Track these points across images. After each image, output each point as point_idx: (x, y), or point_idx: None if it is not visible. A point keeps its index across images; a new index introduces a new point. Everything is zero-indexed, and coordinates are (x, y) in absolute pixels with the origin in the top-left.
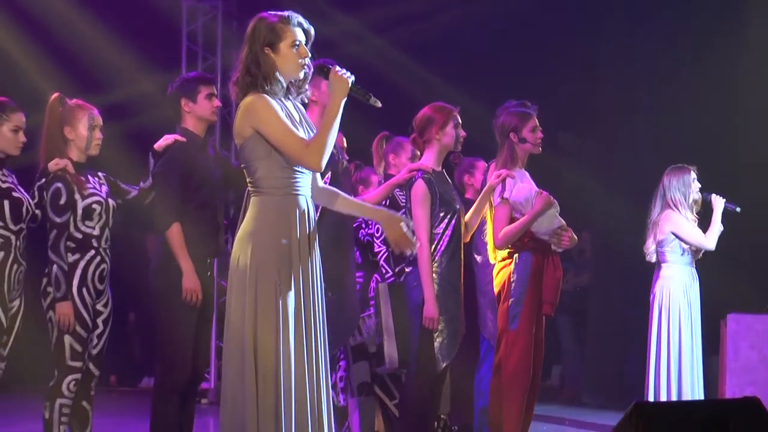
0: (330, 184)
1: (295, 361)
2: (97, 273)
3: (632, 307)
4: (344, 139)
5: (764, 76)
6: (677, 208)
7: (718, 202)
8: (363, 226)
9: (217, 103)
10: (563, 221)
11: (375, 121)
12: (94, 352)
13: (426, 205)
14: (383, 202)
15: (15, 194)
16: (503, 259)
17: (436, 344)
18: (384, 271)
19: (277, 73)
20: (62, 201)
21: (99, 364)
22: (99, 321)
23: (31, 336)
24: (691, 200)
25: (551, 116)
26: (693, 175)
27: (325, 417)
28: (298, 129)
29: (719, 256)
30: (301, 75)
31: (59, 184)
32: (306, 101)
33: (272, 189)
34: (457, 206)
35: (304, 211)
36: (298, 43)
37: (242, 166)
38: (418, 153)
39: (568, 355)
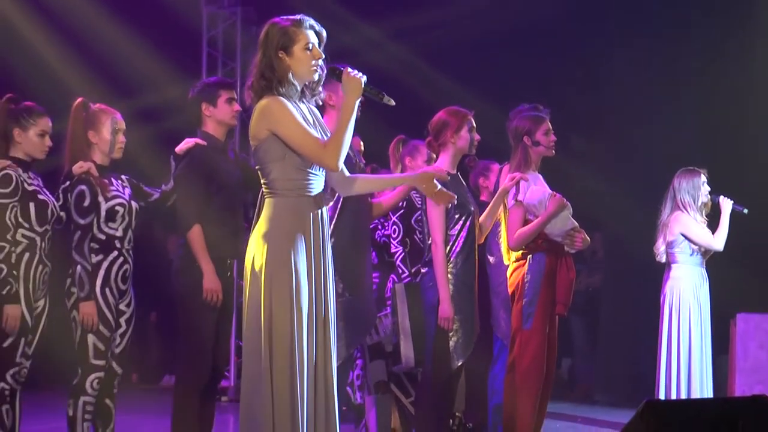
0: (346, 195)
1: (308, 359)
2: (120, 273)
3: (643, 307)
4: (361, 143)
5: None
6: (687, 210)
7: (726, 204)
8: (379, 227)
9: (237, 107)
10: (576, 223)
11: (391, 124)
12: (117, 350)
13: (441, 207)
14: (400, 204)
15: (40, 196)
16: (517, 260)
17: (451, 343)
18: (401, 272)
19: (291, 77)
20: (86, 203)
21: (122, 362)
22: (122, 320)
23: (56, 335)
24: (700, 202)
25: (564, 120)
26: (703, 178)
27: (334, 415)
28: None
29: (729, 257)
30: (315, 77)
31: (83, 187)
32: (320, 103)
33: (286, 191)
34: (472, 208)
35: (317, 212)
36: (311, 45)
37: (256, 167)
38: (434, 156)
39: (581, 353)
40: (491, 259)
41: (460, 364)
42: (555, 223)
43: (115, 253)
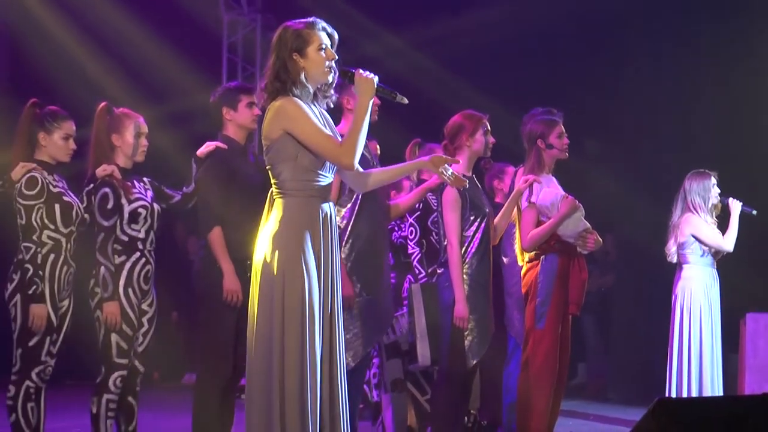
0: (365, 191)
1: (319, 358)
2: (143, 274)
3: (655, 307)
4: (377, 146)
5: None
6: (697, 212)
7: (735, 206)
8: (396, 228)
9: (257, 111)
10: (588, 224)
11: (408, 128)
12: (140, 349)
13: (457, 209)
14: (416, 206)
15: (65, 198)
16: (530, 261)
17: (466, 342)
18: (417, 272)
19: (305, 79)
20: (109, 205)
21: (144, 361)
22: (144, 320)
23: (80, 334)
24: (710, 204)
25: (577, 123)
26: (713, 180)
27: (342, 413)
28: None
29: (739, 258)
30: (329, 78)
31: (107, 189)
32: (332, 105)
33: (296, 191)
34: (487, 210)
35: (327, 213)
36: (324, 46)
37: (267, 167)
38: None
39: (593, 353)
40: (505, 259)
41: (475, 362)
42: (567, 225)
43: (138, 254)
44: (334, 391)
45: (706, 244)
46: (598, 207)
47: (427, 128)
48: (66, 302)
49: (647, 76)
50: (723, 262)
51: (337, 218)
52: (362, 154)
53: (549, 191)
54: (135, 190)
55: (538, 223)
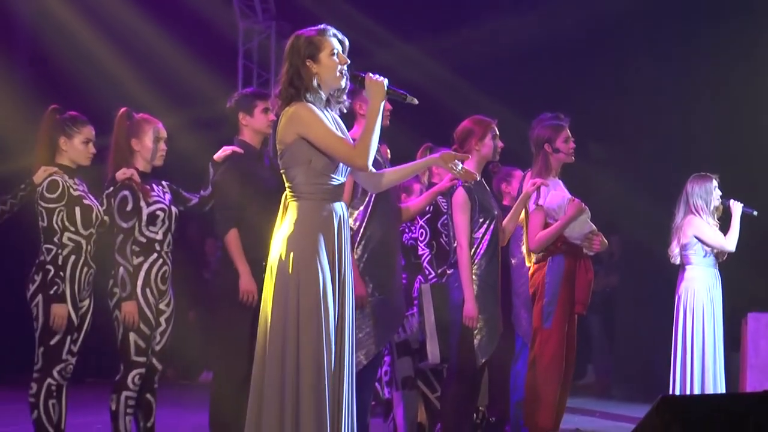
0: (378, 192)
1: (335, 359)
2: (160, 274)
3: (658, 307)
4: (388, 151)
5: None
6: (699, 214)
7: (737, 207)
8: (406, 230)
9: (272, 116)
10: (594, 226)
11: (419, 132)
12: (157, 348)
13: (466, 212)
14: (427, 209)
15: (86, 201)
16: (538, 262)
17: (475, 341)
18: (427, 273)
19: (317, 84)
20: (128, 208)
21: (162, 359)
22: (161, 319)
23: (100, 333)
24: (712, 206)
25: (583, 128)
26: (714, 183)
27: (350, 411)
28: None
29: (741, 258)
30: (342, 83)
31: (126, 192)
32: (344, 111)
33: (310, 194)
34: (496, 212)
35: (340, 215)
36: (336, 51)
37: (281, 171)
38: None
39: (598, 351)
40: (513, 260)
41: (484, 361)
42: (574, 227)
43: (155, 255)
44: (342, 391)
45: (708, 245)
46: (604, 209)
47: (437, 133)
48: (86, 302)
49: (650, 81)
50: (725, 262)
51: (350, 220)
52: (374, 157)
53: (556, 194)
54: (153, 193)
55: (546, 225)
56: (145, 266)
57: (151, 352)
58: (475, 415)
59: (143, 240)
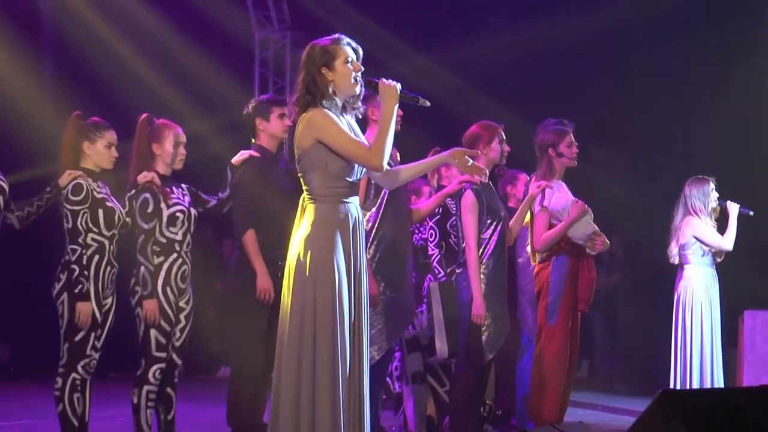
0: (389, 193)
1: (356, 354)
2: (180, 273)
3: (658, 305)
4: (398, 154)
5: None
6: (698, 215)
7: (733, 208)
8: (416, 231)
9: (287, 122)
10: (596, 227)
11: (429, 137)
12: (177, 344)
13: (474, 213)
14: (436, 210)
15: (108, 203)
16: (542, 261)
17: (483, 338)
18: (437, 272)
19: (333, 91)
20: (149, 209)
21: (181, 354)
22: (181, 316)
23: (122, 329)
24: (710, 208)
25: (586, 133)
26: (712, 185)
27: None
28: None
29: (738, 258)
30: (357, 89)
31: (147, 195)
32: (360, 116)
33: (326, 197)
34: (502, 214)
35: (355, 217)
36: (350, 59)
37: (299, 174)
38: None
39: (601, 347)
40: (519, 260)
41: (491, 356)
42: (577, 228)
43: (175, 255)
44: (363, 385)
45: (707, 245)
46: (606, 211)
47: (446, 137)
48: (109, 300)
49: (651, 89)
50: (723, 262)
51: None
52: None
53: (560, 196)
54: (173, 196)
55: (550, 226)
56: (166, 265)
57: (171, 348)
58: (482, 408)
59: (164, 240)
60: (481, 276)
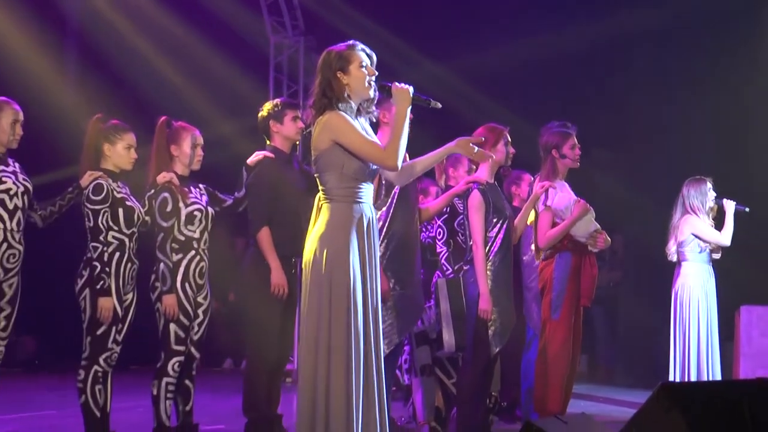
0: (399, 193)
1: (364, 353)
2: (197, 270)
3: (658, 300)
4: (407, 156)
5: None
6: (696, 214)
7: (729, 205)
8: (425, 230)
9: (300, 124)
10: (598, 225)
11: (436, 139)
12: (195, 337)
13: (481, 212)
14: (444, 210)
15: (128, 203)
16: (546, 258)
17: (490, 332)
18: (445, 269)
19: (348, 95)
20: (168, 208)
21: (200, 348)
22: (199, 311)
23: (142, 324)
24: (707, 207)
25: (588, 135)
26: (709, 185)
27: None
28: None
29: (734, 255)
30: (371, 93)
31: (166, 194)
32: (374, 120)
33: (341, 197)
34: (508, 213)
35: (369, 217)
36: (364, 64)
37: (315, 175)
38: (474, 167)
39: (602, 341)
40: (525, 257)
41: (497, 350)
42: (579, 226)
43: (193, 252)
44: (381, 374)
45: (705, 241)
46: (607, 210)
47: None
48: (130, 295)
49: (652, 93)
50: (721, 258)
51: None
52: None
53: (563, 196)
54: (191, 195)
55: (553, 225)
56: (184, 262)
57: (189, 342)
58: (488, 399)
59: (182, 238)
60: (488, 273)
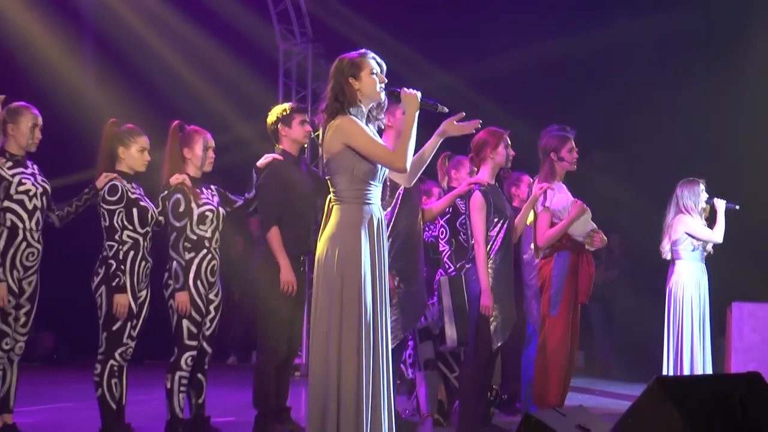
0: (403, 194)
1: (373, 349)
2: (209, 268)
3: (653, 297)
4: None
5: (761, 104)
6: (689, 213)
7: (720, 204)
8: (428, 229)
9: (308, 128)
10: (595, 225)
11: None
12: (207, 333)
13: (482, 213)
14: (446, 210)
15: (142, 203)
16: (545, 257)
17: (491, 328)
18: (447, 267)
19: (359, 100)
20: (181, 209)
21: (211, 343)
22: (211, 308)
23: (156, 319)
24: (700, 207)
25: (587, 137)
26: (702, 186)
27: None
28: None
29: (726, 254)
30: (382, 97)
31: (179, 195)
32: (382, 127)
33: (351, 199)
34: (508, 213)
35: (378, 218)
36: (375, 71)
37: (326, 177)
38: (475, 169)
39: (599, 337)
40: (525, 256)
41: (498, 345)
42: (577, 226)
43: (205, 251)
44: (389, 369)
45: (698, 239)
46: (604, 210)
47: (455, 142)
48: (144, 292)
49: (648, 97)
50: (712, 257)
51: None
52: None
53: (561, 197)
54: (203, 196)
55: (552, 225)
56: (196, 261)
57: (201, 337)
58: (489, 393)
59: (194, 237)
60: (489, 270)
